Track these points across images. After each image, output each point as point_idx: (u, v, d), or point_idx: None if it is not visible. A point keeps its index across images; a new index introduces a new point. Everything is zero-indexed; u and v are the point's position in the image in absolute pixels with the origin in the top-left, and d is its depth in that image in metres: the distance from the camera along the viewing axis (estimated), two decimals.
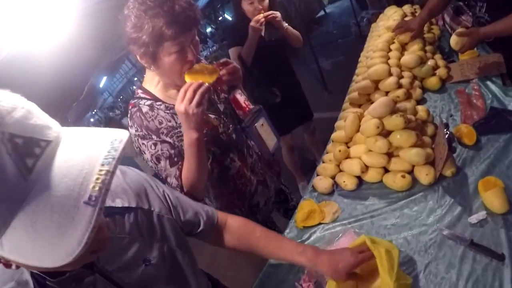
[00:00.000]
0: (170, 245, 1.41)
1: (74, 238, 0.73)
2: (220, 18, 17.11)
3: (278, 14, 3.45)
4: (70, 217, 0.74)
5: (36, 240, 0.73)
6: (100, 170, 0.78)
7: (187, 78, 1.84)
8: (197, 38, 1.95)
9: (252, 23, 3.31)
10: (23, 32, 3.01)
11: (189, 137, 1.85)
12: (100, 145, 0.85)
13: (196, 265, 1.54)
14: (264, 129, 2.05)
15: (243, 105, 2.11)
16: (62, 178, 0.76)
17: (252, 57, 3.54)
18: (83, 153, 0.82)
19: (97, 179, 0.77)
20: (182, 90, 1.81)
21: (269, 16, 3.37)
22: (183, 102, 1.78)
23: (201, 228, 1.64)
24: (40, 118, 0.83)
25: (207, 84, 1.82)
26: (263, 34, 3.56)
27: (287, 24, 3.69)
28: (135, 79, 19.95)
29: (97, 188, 0.76)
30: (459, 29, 2.76)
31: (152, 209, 1.40)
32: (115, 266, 1.19)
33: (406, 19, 3.40)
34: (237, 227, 1.76)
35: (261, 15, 3.33)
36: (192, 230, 1.63)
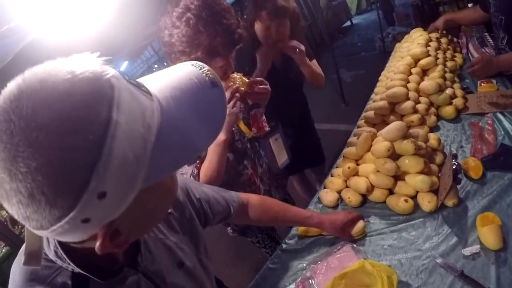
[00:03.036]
0: (200, 250, 1.48)
1: (219, 111, 0.91)
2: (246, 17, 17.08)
3: (301, 48, 2.78)
4: (208, 102, 0.89)
5: (190, 133, 0.85)
6: (203, 71, 0.92)
7: (223, 83, 1.89)
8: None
9: (258, 54, 2.79)
10: (49, 16, 3.07)
11: (217, 137, 1.89)
12: (185, 67, 0.95)
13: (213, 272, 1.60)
14: (277, 144, 2.09)
15: (260, 125, 2.17)
16: (178, 86, 0.89)
17: None
18: (173, 74, 0.93)
19: (206, 74, 0.91)
20: None
21: (288, 49, 2.78)
22: None
23: (232, 215, 1.82)
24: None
25: (242, 89, 1.89)
26: (278, 64, 3.01)
27: (315, 61, 3.11)
28: (156, 66, 19.98)
29: (212, 76, 0.91)
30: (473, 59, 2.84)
31: (189, 214, 1.50)
32: (156, 267, 1.22)
33: (431, 44, 3.44)
34: (259, 205, 1.98)
35: (274, 44, 2.76)
36: (224, 218, 1.81)
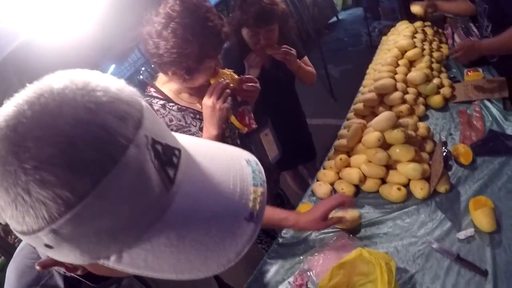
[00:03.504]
0: None
1: (231, 252, 0.68)
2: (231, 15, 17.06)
3: (291, 52, 2.73)
4: (230, 232, 0.69)
5: (180, 254, 0.66)
6: (255, 191, 0.75)
7: (213, 79, 1.90)
8: None
9: (247, 61, 2.72)
10: (37, 19, 3.07)
11: (208, 133, 1.91)
12: (237, 162, 0.82)
13: None
14: (267, 139, 2.08)
15: (247, 122, 2.15)
16: (209, 193, 0.72)
17: None
18: (224, 169, 0.78)
19: (255, 199, 0.73)
20: (211, 87, 1.88)
21: (278, 55, 2.71)
22: (211, 97, 1.85)
23: None
24: (158, 119, 0.74)
25: (232, 85, 1.90)
26: (267, 66, 2.89)
27: (305, 58, 3.07)
28: (143, 68, 19.89)
29: (257, 207, 0.72)
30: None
31: None
32: None
33: (417, 35, 3.49)
34: None
35: (262, 51, 2.69)
36: None
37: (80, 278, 0.92)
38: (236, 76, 2.00)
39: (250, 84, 2.06)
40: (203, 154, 0.80)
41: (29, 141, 0.57)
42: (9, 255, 4.13)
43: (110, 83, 0.66)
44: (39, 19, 3.08)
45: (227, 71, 1.97)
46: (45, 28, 3.26)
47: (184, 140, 0.79)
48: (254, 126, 2.19)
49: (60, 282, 0.95)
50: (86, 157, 0.57)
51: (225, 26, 1.87)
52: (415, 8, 3.51)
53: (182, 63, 1.81)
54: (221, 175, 0.75)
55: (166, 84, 2.11)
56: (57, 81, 0.63)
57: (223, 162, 0.80)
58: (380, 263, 1.63)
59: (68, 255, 0.64)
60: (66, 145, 0.57)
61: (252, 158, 0.86)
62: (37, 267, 0.76)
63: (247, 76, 2.08)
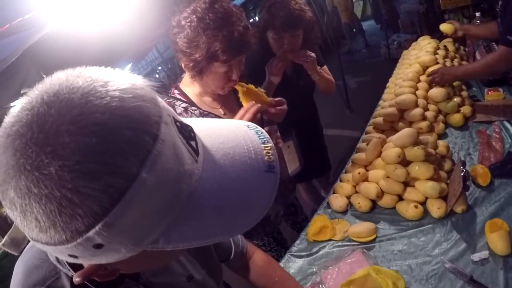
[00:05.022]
0: (210, 262, 1.44)
1: (264, 200, 0.76)
2: (251, 20, 17.09)
3: (311, 55, 2.71)
4: (258, 184, 0.77)
5: (223, 214, 0.72)
6: (265, 147, 0.81)
7: (243, 98, 1.91)
8: (243, 59, 2.01)
9: (268, 67, 2.64)
10: (64, 11, 3.10)
11: None
12: (240, 128, 0.87)
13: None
14: (289, 151, 2.07)
15: (274, 141, 2.12)
16: (230, 156, 0.78)
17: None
18: (234, 135, 0.84)
19: (268, 152, 0.80)
20: (243, 110, 1.88)
21: (299, 58, 2.70)
22: (242, 120, 1.83)
23: (232, 257, 1.64)
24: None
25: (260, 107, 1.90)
26: (289, 73, 2.90)
27: (324, 67, 3.05)
28: (159, 68, 19.97)
29: (272, 159, 0.79)
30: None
31: None
32: (160, 280, 1.17)
33: (439, 52, 3.47)
34: (261, 265, 1.75)
35: (284, 56, 2.65)
36: (222, 257, 1.61)
37: (87, 283, 0.90)
38: (268, 99, 2.00)
39: (279, 108, 2.06)
40: (209, 128, 0.86)
41: (65, 137, 0.55)
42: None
43: (121, 75, 0.68)
44: (66, 12, 3.10)
45: (259, 91, 1.97)
46: (68, 21, 3.28)
47: (187, 120, 0.83)
48: (281, 145, 2.19)
49: (67, 283, 0.95)
50: (127, 139, 0.59)
51: (248, 36, 1.88)
52: (446, 27, 3.44)
53: (190, 56, 1.85)
54: (232, 141, 0.82)
55: (190, 86, 2.13)
56: (72, 76, 0.64)
57: (229, 131, 0.86)
58: (387, 282, 1.64)
59: (118, 250, 0.64)
60: (103, 132, 0.57)
61: (251, 123, 0.90)
62: (77, 279, 0.74)
63: (277, 99, 2.06)
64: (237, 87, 1.90)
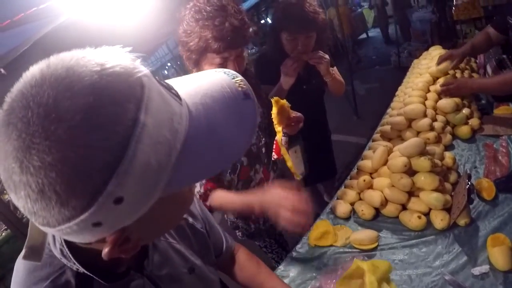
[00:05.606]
0: (209, 257, 1.47)
1: (249, 124, 0.86)
2: (263, 21, 17.12)
3: (326, 57, 2.74)
4: (240, 111, 0.85)
5: (217, 145, 0.80)
6: (235, 80, 0.89)
7: (276, 112, 1.93)
8: (244, 54, 2.04)
9: (283, 67, 2.65)
10: (80, 2, 3.11)
11: None
12: (209, 74, 0.94)
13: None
14: (295, 155, 2.06)
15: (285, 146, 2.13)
16: (209, 95, 0.85)
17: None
18: (206, 79, 0.91)
19: (239, 84, 0.88)
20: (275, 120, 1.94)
21: (314, 59, 2.72)
22: None
23: (223, 253, 1.67)
24: None
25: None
26: (301, 74, 2.87)
27: (335, 69, 3.03)
28: (169, 64, 20.04)
29: (245, 88, 0.87)
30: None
31: (197, 224, 1.46)
32: (163, 272, 1.20)
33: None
34: (242, 261, 1.77)
35: (299, 57, 2.68)
36: (215, 253, 1.62)
37: (93, 276, 0.95)
38: (292, 114, 2.02)
39: (297, 123, 2.08)
40: (183, 78, 0.95)
41: (64, 102, 0.60)
42: (15, 229, 4.17)
43: (98, 50, 0.73)
44: (80, 3, 3.12)
45: (286, 104, 1.98)
46: (81, 13, 3.30)
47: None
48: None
49: (71, 278, 0.96)
50: (118, 90, 0.65)
51: (244, 32, 1.94)
52: (442, 66, 3.35)
53: (186, 46, 1.93)
54: (206, 83, 0.89)
55: None
56: (48, 63, 0.68)
57: (201, 77, 0.93)
58: (369, 267, 1.66)
59: (138, 201, 0.69)
60: (96, 90, 0.63)
61: (219, 69, 1.00)
62: (105, 252, 0.76)
63: (297, 115, 2.08)
64: (274, 102, 1.91)
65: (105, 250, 0.76)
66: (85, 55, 0.68)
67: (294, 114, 2.02)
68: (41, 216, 0.64)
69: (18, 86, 0.65)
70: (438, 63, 3.20)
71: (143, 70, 0.72)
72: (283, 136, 2.02)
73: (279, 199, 1.72)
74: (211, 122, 0.81)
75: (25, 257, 0.87)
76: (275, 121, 1.93)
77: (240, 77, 0.90)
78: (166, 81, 0.86)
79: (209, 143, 0.79)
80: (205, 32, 1.84)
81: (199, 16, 1.85)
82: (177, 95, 0.80)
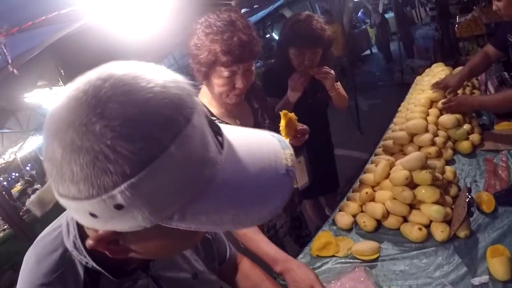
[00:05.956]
0: (213, 264, 1.49)
1: (277, 201, 0.81)
2: (268, 36, 17.19)
3: (332, 72, 2.85)
4: (275, 184, 0.82)
5: (237, 205, 0.77)
6: (285, 153, 0.87)
7: (284, 125, 1.96)
8: (252, 68, 2.09)
9: (291, 80, 2.76)
10: (100, 9, 3.17)
11: None
12: (263, 135, 0.95)
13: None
14: (299, 166, 2.08)
15: None
16: (252, 155, 0.85)
17: None
18: (258, 139, 0.92)
19: (286, 158, 0.86)
20: (283, 132, 1.96)
21: (320, 74, 2.84)
22: None
23: (225, 260, 1.68)
24: None
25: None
26: (307, 87, 2.97)
27: (339, 83, 3.10)
28: None
29: (290, 164, 0.85)
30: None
31: None
32: (167, 274, 1.21)
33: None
34: (246, 271, 1.79)
35: (306, 71, 2.79)
36: (219, 260, 1.63)
37: (101, 271, 0.98)
38: (298, 126, 2.06)
39: (302, 135, 2.12)
40: (236, 130, 0.94)
41: (113, 103, 0.65)
42: (18, 229, 4.18)
43: (166, 70, 0.78)
44: (99, 11, 3.17)
45: (294, 117, 2.02)
46: (96, 21, 3.36)
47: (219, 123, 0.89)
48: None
49: (80, 271, 0.98)
50: (164, 115, 0.67)
51: (252, 46, 1.97)
52: (435, 94, 3.26)
53: (196, 59, 1.97)
54: (256, 143, 0.90)
55: (208, 98, 2.23)
56: (123, 64, 0.75)
57: (254, 135, 0.95)
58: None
59: (135, 217, 0.69)
60: (146, 106, 0.66)
61: (275, 133, 0.96)
62: (90, 242, 0.79)
63: (303, 128, 2.12)
64: (282, 115, 1.96)
65: (90, 241, 0.79)
66: (155, 73, 0.73)
67: (301, 126, 2.05)
68: (55, 181, 0.70)
69: (91, 72, 0.72)
70: (433, 88, 3.24)
71: (198, 108, 0.75)
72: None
73: (306, 282, 1.76)
74: (241, 183, 0.80)
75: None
76: (282, 133, 1.96)
77: (290, 151, 0.89)
78: (221, 125, 0.88)
79: (229, 202, 0.77)
80: (214, 46, 1.89)
81: (209, 31, 1.90)
82: (221, 143, 0.81)
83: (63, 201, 0.72)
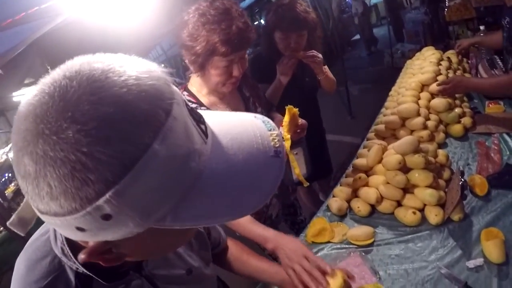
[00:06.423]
0: (207, 257, 1.47)
1: (268, 184, 0.79)
2: (256, 23, 17.13)
3: (319, 56, 2.87)
4: (265, 168, 0.79)
5: (230, 195, 0.74)
6: (271, 134, 0.84)
7: (288, 120, 1.94)
8: (246, 56, 2.08)
9: (279, 65, 2.77)
10: (80, 3, 3.14)
11: None
12: (247, 117, 0.92)
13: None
14: (296, 157, 2.09)
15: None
16: (238, 141, 0.81)
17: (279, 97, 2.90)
18: (241, 123, 0.88)
19: (274, 139, 0.83)
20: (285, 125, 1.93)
21: (308, 58, 2.84)
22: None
23: (220, 247, 1.73)
24: None
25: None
26: (296, 71, 2.89)
27: (326, 67, 3.11)
28: (162, 65, 19.98)
29: (278, 145, 0.82)
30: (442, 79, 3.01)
31: None
32: (160, 272, 1.20)
33: (442, 63, 3.52)
34: (231, 250, 1.84)
35: (293, 55, 2.78)
36: (213, 248, 1.64)
37: (92, 276, 0.95)
38: (299, 121, 2.05)
39: (302, 132, 2.12)
40: (218, 116, 0.91)
41: (84, 105, 0.59)
42: (10, 230, 4.18)
43: (137, 59, 0.73)
44: (79, 4, 3.14)
45: (297, 111, 1.99)
46: (79, 14, 3.34)
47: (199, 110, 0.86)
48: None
49: (71, 277, 0.96)
50: (142, 111, 0.62)
51: (249, 34, 1.96)
52: (425, 78, 3.25)
53: (192, 50, 1.93)
54: (240, 127, 0.86)
55: (198, 87, 2.21)
56: (92, 58, 0.69)
57: (237, 120, 0.91)
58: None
59: (125, 224, 0.65)
60: (121, 103, 0.61)
61: (258, 114, 0.93)
62: (82, 257, 0.74)
63: (303, 123, 2.10)
64: (287, 110, 1.93)
65: (82, 255, 0.74)
66: (125, 64, 0.68)
67: (301, 121, 2.06)
68: (32, 199, 0.65)
69: (56, 71, 0.67)
70: (438, 84, 3.12)
71: (177, 97, 0.70)
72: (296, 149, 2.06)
73: (299, 253, 1.77)
74: (230, 171, 0.77)
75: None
76: (285, 128, 1.93)
77: (277, 131, 0.86)
78: (201, 112, 0.84)
79: (221, 193, 0.74)
80: (212, 36, 1.86)
81: (204, 20, 1.87)
82: (204, 132, 0.77)
83: (45, 218, 0.68)
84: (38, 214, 0.68)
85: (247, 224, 2.02)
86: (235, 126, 0.86)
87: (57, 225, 0.68)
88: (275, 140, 0.84)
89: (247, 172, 0.78)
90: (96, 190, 0.59)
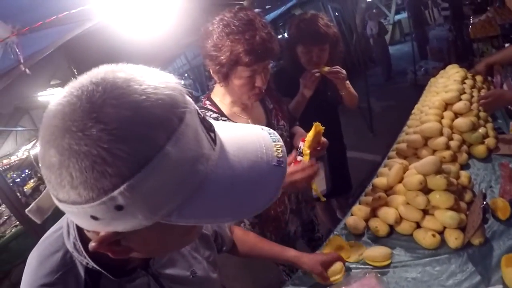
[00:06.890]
0: (212, 262, 1.52)
1: (271, 190, 0.86)
2: (280, 36, 17.18)
3: (343, 72, 2.91)
4: (268, 175, 0.86)
5: (233, 197, 0.82)
6: (276, 145, 0.92)
7: (314, 135, 1.96)
8: (269, 67, 2.08)
9: (303, 79, 2.82)
10: (111, 10, 3.18)
11: None
12: (254, 129, 1.00)
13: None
14: (318, 173, 2.09)
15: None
16: (244, 149, 0.90)
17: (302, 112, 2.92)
18: (249, 134, 0.97)
19: (277, 149, 0.91)
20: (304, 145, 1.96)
21: (332, 74, 2.88)
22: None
23: (228, 243, 1.87)
24: None
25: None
26: (319, 86, 2.93)
27: (349, 82, 3.14)
28: (186, 75, 20.22)
29: (281, 155, 0.90)
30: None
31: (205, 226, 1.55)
32: (166, 272, 1.26)
33: (466, 81, 3.48)
34: (240, 236, 2.01)
35: (316, 70, 2.81)
36: (223, 246, 1.84)
37: (101, 271, 1.02)
38: (322, 139, 2.07)
39: (322, 149, 2.13)
40: (227, 126, 1.00)
41: (108, 108, 0.68)
42: (28, 226, 4.21)
43: (156, 72, 0.82)
44: (109, 11, 3.17)
45: (321, 128, 2.01)
46: (108, 21, 3.37)
47: (210, 120, 0.94)
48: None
49: (81, 271, 1.02)
50: (159, 117, 0.71)
51: (272, 44, 1.97)
52: (449, 97, 3.21)
53: (216, 60, 1.95)
54: (247, 137, 0.94)
55: (221, 97, 2.22)
56: (116, 67, 0.78)
57: (244, 130, 0.99)
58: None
59: (135, 216, 0.73)
60: (139, 108, 0.70)
61: (265, 127, 1.02)
62: (93, 245, 0.81)
63: (324, 141, 2.13)
64: (314, 126, 1.97)
65: (92, 244, 0.81)
66: (145, 74, 0.77)
67: (323, 140, 2.08)
68: (54, 187, 0.73)
69: (83, 76, 0.76)
70: (478, 99, 3.11)
71: (190, 107, 0.79)
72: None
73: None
74: (235, 176, 0.84)
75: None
76: (307, 143, 1.95)
77: (281, 143, 0.94)
78: (214, 122, 0.93)
79: (225, 195, 0.81)
80: (236, 46, 1.88)
81: (228, 30, 1.89)
82: (213, 140, 0.85)
83: (63, 207, 0.76)
84: (57, 203, 0.76)
85: (266, 244, 2.12)
86: (243, 136, 0.95)
87: (74, 213, 0.75)
88: (279, 151, 0.91)
89: (250, 179, 0.85)
90: (113, 182, 0.68)
